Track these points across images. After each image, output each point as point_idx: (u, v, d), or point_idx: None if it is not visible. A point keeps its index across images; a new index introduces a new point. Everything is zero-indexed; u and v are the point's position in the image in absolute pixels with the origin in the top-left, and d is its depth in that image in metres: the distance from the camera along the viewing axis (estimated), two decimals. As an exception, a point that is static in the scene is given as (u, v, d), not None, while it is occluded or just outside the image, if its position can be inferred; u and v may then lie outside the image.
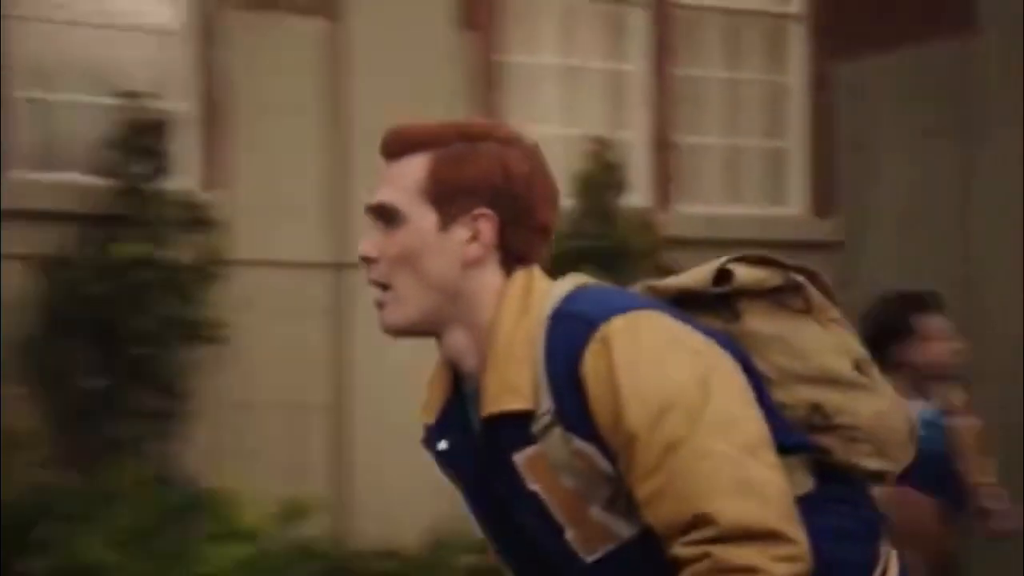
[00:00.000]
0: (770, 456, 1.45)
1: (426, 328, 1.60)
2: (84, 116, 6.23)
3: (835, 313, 1.66)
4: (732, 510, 1.40)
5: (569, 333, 1.49)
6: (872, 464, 1.61)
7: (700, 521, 1.41)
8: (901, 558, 1.65)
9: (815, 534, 1.46)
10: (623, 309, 1.50)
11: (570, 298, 1.55)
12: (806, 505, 1.50)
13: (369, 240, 1.59)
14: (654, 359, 1.46)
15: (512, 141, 1.61)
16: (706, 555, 1.40)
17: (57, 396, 5.80)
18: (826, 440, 1.60)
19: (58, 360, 5.74)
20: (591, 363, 1.46)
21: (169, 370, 5.83)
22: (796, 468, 1.55)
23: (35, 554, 5.24)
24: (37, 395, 5.79)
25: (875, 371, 1.66)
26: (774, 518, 1.41)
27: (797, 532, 1.43)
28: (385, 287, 1.57)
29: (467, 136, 1.59)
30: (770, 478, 1.43)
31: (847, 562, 1.56)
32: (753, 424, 1.47)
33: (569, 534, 1.54)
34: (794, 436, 1.57)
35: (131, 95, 5.93)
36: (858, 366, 1.64)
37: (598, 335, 1.46)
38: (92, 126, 6.09)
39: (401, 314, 1.59)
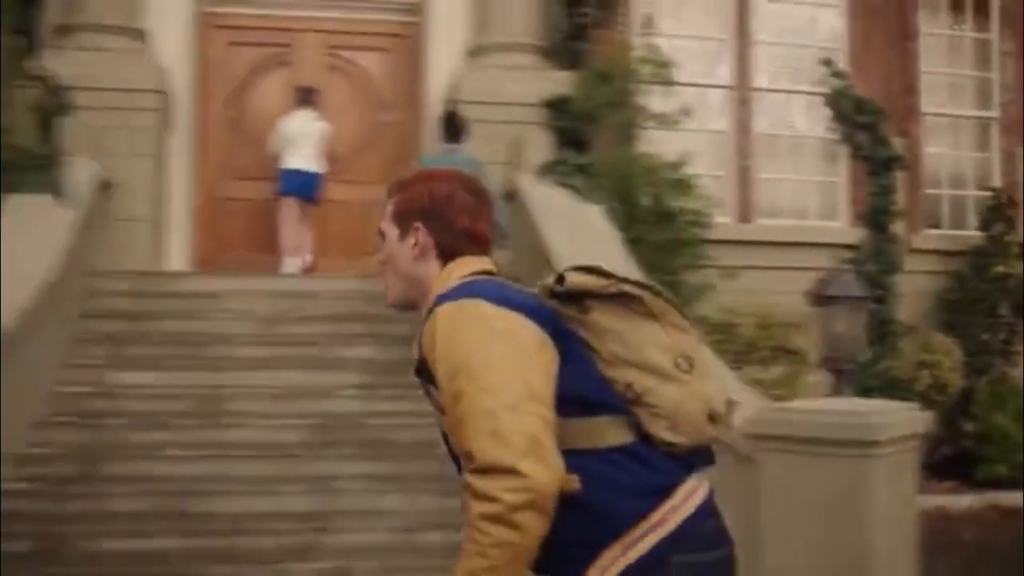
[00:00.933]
0: (532, 411, 2.01)
1: (407, 303, 2.40)
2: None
3: (678, 319, 2.20)
4: (484, 451, 1.99)
5: (430, 310, 2.21)
6: (667, 436, 2.14)
7: (468, 456, 2.02)
8: (697, 525, 2.15)
9: (595, 479, 2.07)
10: (458, 298, 2.15)
11: (453, 286, 2.23)
12: (605, 457, 2.11)
13: (376, 251, 2.44)
14: (455, 335, 2.09)
15: (443, 177, 2.42)
16: (467, 483, 2.00)
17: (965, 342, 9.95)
18: (637, 411, 2.15)
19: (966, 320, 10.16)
20: (426, 333, 2.17)
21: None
22: (615, 424, 2.14)
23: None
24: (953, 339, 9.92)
25: (695, 369, 2.17)
26: (513, 458, 1.96)
27: (533, 469, 1.95)
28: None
29: (414, 179, 2.45)
30: (519, 428, 1.98)
31: (610, 509, 2.09)
32: (519, 387, 2.02)
33: (451, 439, 2.17)
34: (605, 398, 2.15)
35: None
36: (677, 364, 2.15)
37: (433, 314, 2.17)
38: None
39: (392, 295, 2.44)
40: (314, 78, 10.68)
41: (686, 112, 9.42)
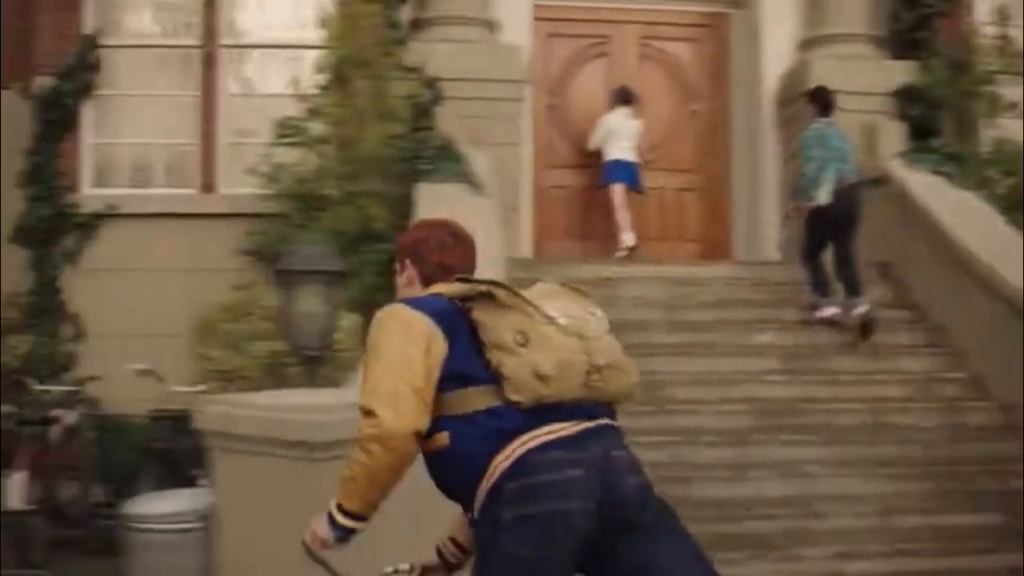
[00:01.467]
0: (402, 377, 2.75)
1: None
2: None
3: (525, 306, 2.85)
4: (362, 399, 2.78)
5: None
6: (513, 396, 2.76)
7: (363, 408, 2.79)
8: (535, 456, 2.74)
9: (462, 437, 2.78)
10: (393, 305, 2.98)
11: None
12: (471, 419, 2.78)
13: None
14: (378, 327, 2.90)
15: (425, 225, 3.43)
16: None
17: None
18: (501, 381, 2.78)
19: None
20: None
21: None
22: (482, 392, 2.80)
23: None
24: None
25: (530, 343, 2.79)
26: (374, 405, 2.73)
27: (385, 414, 2.71)
28: None
29: (410, 229, 3.57)
30: (387, 387, 2.75)
31: (473, 457, 2.76)
32: (400, 362, 2.78)
33: None
34: (476, 373, 2.81)
35: None
36: (516, 340, 2.79)
37: (377, 315, 2.97)
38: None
39: None
40: (629, 69, 10.80)
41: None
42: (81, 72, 9.37)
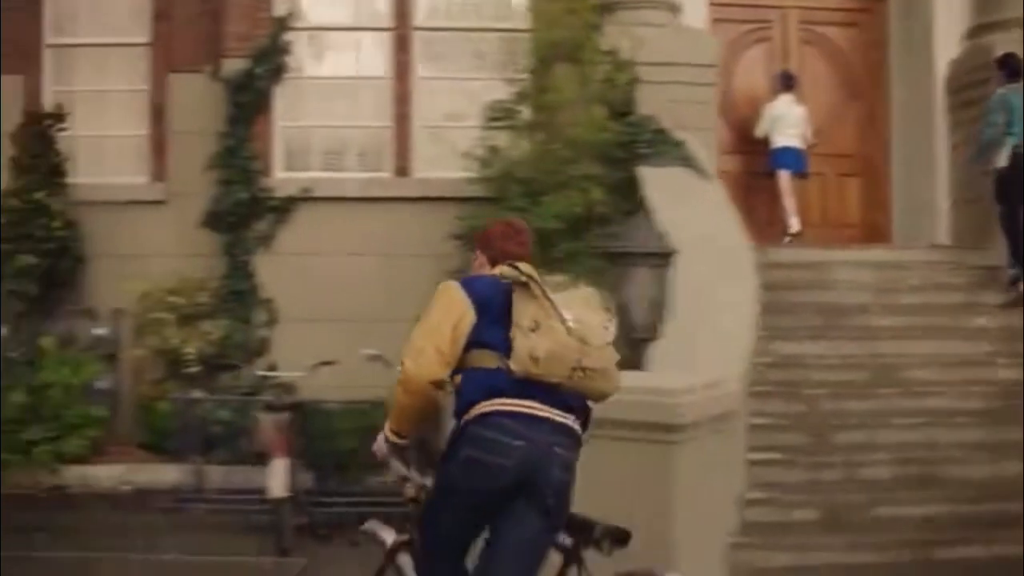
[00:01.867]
0: (430, 339, 3.59)
1: None
2: None
3: (545, 302, 3.54)
4: (402, 353, 3.64)
5: None
6: (511, 365, 3.51)
7: None
8: (498, 418, 3.53)
9: (468, 381, 3.61)
10: (449, 281, 3.80)
11: None
12: (475, 372, 3.60)
13: None
14: (435, 295, 3.73)
15: (498, 224, 4.13)
16: None
17: None
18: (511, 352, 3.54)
19: None
20: None
21: None
22: (490, 356, 3.57)
23: None
24: None
25: (539, 330, 3.50)
26: (404, 356, 3.61)
27: (409, 365, 3.60)
28: None
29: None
30: (416, 344, 3.61)
31: (467, 396, 3.58)
32: (433, 325, 3.62)
33: None
34: (491, 341, 3.58)
35: None
36: (531, 326, 3.51)
37: (439, 285, 3.81)
38: None
39: None
40: (790, 54, 10.82)
41: None
42: (273, 55, 9.28)
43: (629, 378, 5.38)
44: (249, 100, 9.25)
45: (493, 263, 3.87)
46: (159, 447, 9.10)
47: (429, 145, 9.51)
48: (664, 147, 8.47)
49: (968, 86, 9.99)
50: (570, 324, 3.50)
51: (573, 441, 3.61)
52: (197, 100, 9.79)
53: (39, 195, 9.25)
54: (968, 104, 9.93)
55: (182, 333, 9.11)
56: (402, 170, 9.47)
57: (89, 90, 9.77)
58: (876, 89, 11.04)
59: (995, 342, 8.32)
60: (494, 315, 3.60)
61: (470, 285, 3.74)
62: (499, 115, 8.92)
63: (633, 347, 5.76)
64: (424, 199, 9.26)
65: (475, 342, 3.61)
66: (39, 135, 9.40)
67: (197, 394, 8.54)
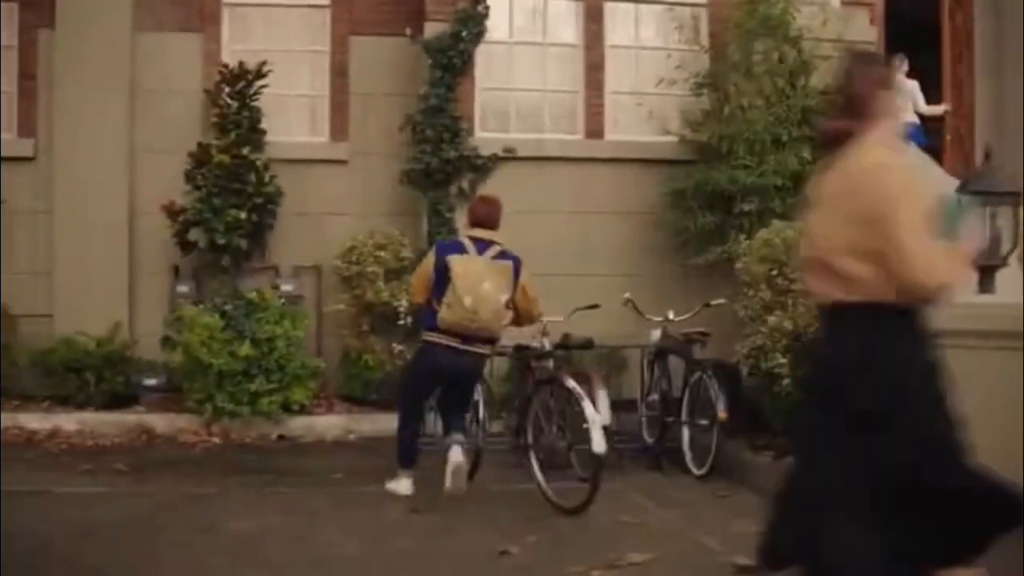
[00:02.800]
0: (416, 281, 6.97)
1: None
2: None
3: (464, 268, 6.48)
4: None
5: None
6: (438, 322, 6.60)
7: None
8: (449, 347, 6.64)
9: (427, 309, 6.72)
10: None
11: None
12: (430, 310, 6.67)
13: None
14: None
15: (478, 198, 7.56)
16: None
17: None
18: None
19: None
20: None
21: None
22: (436, 306, 6.55)
23: None
24: None
25: (453, 306, 6.44)
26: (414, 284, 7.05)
27: (411, 288, 7.30)
28: None
29: None
30: (414, 280, 7.04)
31: (425, 317, 6.76)
32: (420, 271, 6.87)
33: None
34: (439, 297, 6.54)
35: None
36: (448, 302, 6.45)
37: None
38: None
39: None
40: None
41: None
42: (475, 19, 9.59)
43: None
44: (453, 62, 9.51)
45: (472, 227, 6.72)
46: (365, 399, 9.35)
47: (620, 110, 9.96)
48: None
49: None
50: (467, 304, 6.33)
51: (478, 354, 6.63)
52: (378, 63, 10.02)
53: (245, 150, 9.35)
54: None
55: (390, 287, 9.35)
56: (595, 133, 9.88)
57: (268, 49, 9.85)
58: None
59: None
60: (443, 276, 6.43)
61: (441, 244, 6.95)
62: (707, 82, 9.45)
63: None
64: (616, 160, 9.72)
65: (434, 287, 6.52)
66: (238, 93, 9.48)
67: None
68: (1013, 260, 6.55)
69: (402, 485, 6.76)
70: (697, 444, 7.74)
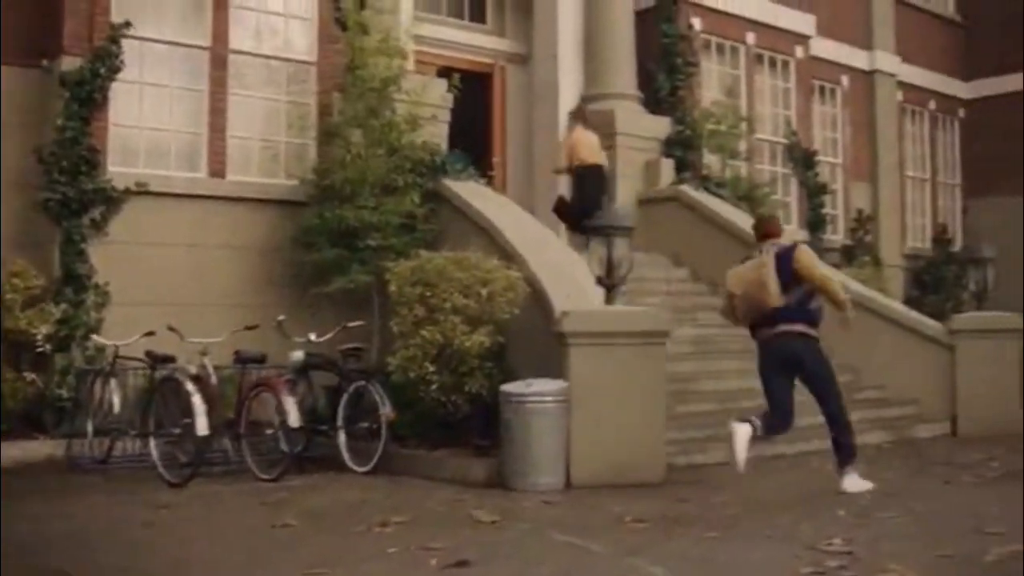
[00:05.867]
0: None
1: None
2: None
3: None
4: None
5: None
6: None
7: None
8: None
9: None
10: None
11: None
12: None
13: None
14: None
15: None
16: None
17: None
18: None
19: None
20: None
21: None
22: None
23: None
24: None
25: None
26: None
27: None
28: None
29: None
30: None
31: None
32: None
33: None
34: None
35: None
36: None
37: None
38: None
39: None
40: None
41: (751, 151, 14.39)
42: (111, 57, 10.00)
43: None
44: (91, 96, 9.83)
45: None
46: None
47: (242, 152, 10.86)
48: (459, 165, 10.91)
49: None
50: None
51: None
52: (11, 93, 10.05)
53: None
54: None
55: (27, 315, 9.47)
56: (217, 172, 10.65)
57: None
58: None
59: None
60: None
61: None
62: (329, 132, 10.69)
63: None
64: (237, 198, 10.61)
65: None
66: None
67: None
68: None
69: None
70: (355, 447, 8.88)
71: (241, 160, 10.90)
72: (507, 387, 7.95)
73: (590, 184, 11.74)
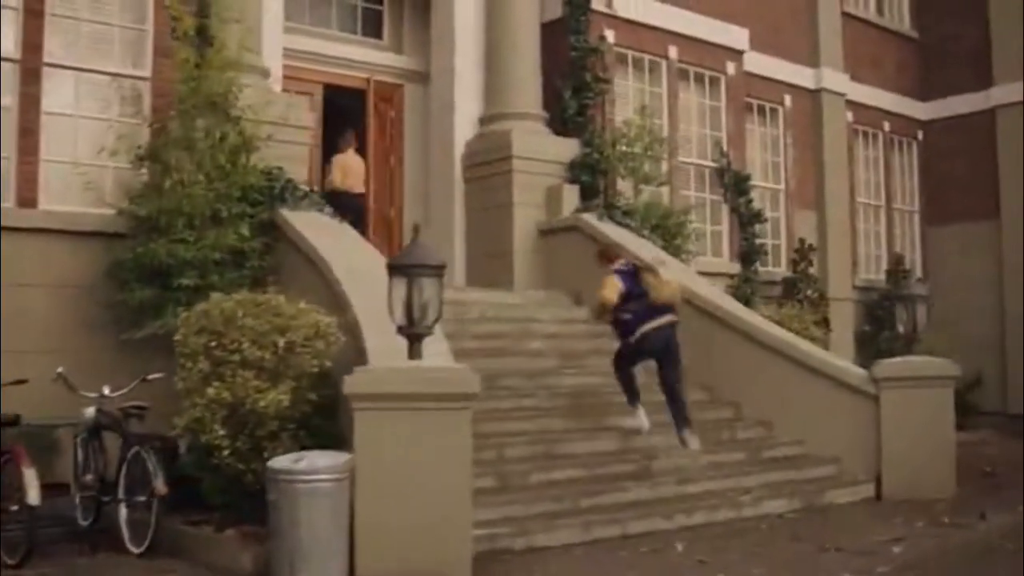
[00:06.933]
0: None
1: None
2: None
3: None
4: None
5: None
6: None
7: None
8: None
9: None
10: None
11: None
12: None
13: None
14: None
15: None
16: None
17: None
18: None
19: None
20: None
21: None
22: None
23: None
24: None
25: None
26: None
27: None
28: None
29: None
30: None
31: None
32: None
33: None
34: None
35: None
36: None
37: None
38: None
39: None
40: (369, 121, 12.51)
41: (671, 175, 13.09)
42: None
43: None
44: None
45: None
46: None
47: (57, 179, 9.57)
48: (296, 194, 9.62)
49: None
50: None
51: None
52: None
53: None
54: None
55: None
56: (28, 201, 9.37)
57: None
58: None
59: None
60: None
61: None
62: (148, 155, 9.39)
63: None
64: (49, 231, 9.31)
65: None
66: None
67: None
68: (437, 328, 7.21)
69: None
70: (135, 522, 7.59)
71: (58, 187, 9.62)
72: (274, 462, 6.59)
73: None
